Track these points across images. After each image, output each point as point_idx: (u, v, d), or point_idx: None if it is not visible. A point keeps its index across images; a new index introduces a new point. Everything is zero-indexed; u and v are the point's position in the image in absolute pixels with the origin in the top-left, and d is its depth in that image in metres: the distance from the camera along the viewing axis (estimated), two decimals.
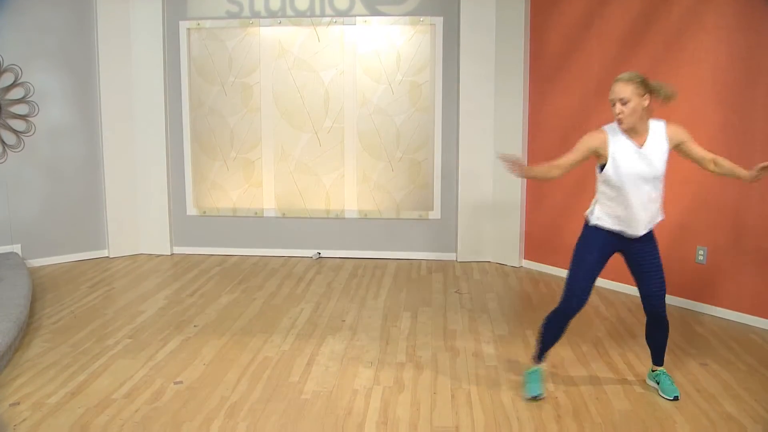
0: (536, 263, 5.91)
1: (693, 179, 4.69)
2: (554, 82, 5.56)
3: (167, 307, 4.81)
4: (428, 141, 6.22)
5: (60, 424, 3.07)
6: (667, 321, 3.38)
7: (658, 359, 3.47)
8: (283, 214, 6.44)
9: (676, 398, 3.31)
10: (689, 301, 4.78)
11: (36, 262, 5.92)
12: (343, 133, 6.27)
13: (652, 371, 3.49)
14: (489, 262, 6.19)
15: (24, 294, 4.51)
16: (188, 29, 6.25)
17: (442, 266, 6.07)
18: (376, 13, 6.09)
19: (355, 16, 6.11)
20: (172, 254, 6.46)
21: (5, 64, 5.64)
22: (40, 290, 5.17)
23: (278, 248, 6.45)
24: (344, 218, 6.38)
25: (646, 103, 3.09)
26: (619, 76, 3.11)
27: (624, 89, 3.05)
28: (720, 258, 4.60)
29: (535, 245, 5.92)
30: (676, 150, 3.20)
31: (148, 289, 5.29)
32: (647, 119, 3.14)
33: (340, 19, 6.12)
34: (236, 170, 6.42)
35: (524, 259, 6.02)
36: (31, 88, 5.78)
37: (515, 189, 5.93)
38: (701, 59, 4.57)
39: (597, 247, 3.28)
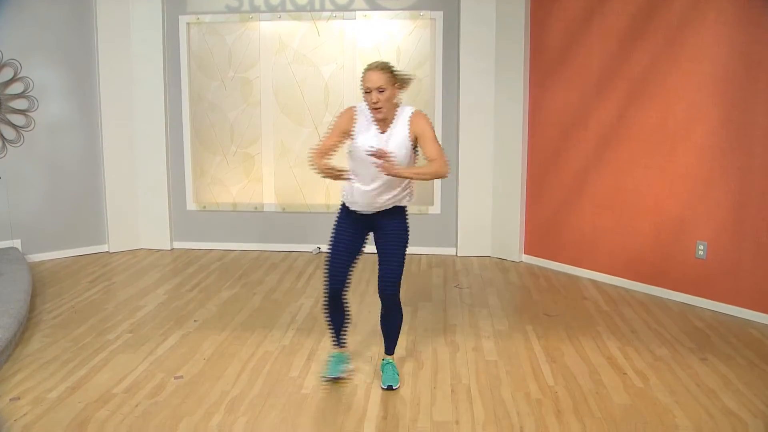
0: (536, 258, 5.91)
1: (693, 174, 4.69)
2: (555, 76, 5.55)
3: (167, 302, 4.81)
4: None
5: (60, 418, 3.07)
6: (398, 309, 3.40)
7: (387, 347, 3.49)
8: (283, 208, 6.43)
9: (390, 387, 3.34)
10: (689, 296, 4.78)
11: (36, 257, 5.92)
12: None
13: (382, 360, 3.52)
14: (489, 256, 6.19)
15: (24, 289, 4.52)
16: (188, 24, 6.23)
17: (442, 261, 6.07)
18: (376, 7, 6.08)
19: (355, 10, 6.09)
20: (172, 249, 6.46)
21: (4, 59, 5.63)
22: (40, 285, 5.18)
23: (278, 243, 6.45)
24: None
25: (397, 92, 3.13)
26: (371, 65, 3.12)
27: (380, 78, 3.05)
28: (720, 253, 4.60)
29: (535, 240, 5.92)
30: (419, 142, 3.19)
31: (148, 284, 5.29)
32: (397, 107, 3.18)
33: (340, 14, 6.11)
34: (236, 165, 6.41)
35: (524, 253, 6.02)
36: (31, 82, 5.77)
37: (515, 184, 5.92)
38: (702, 54, 4.56)
39: (346, 223, 3.36)
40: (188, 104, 6.33)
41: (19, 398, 3.27)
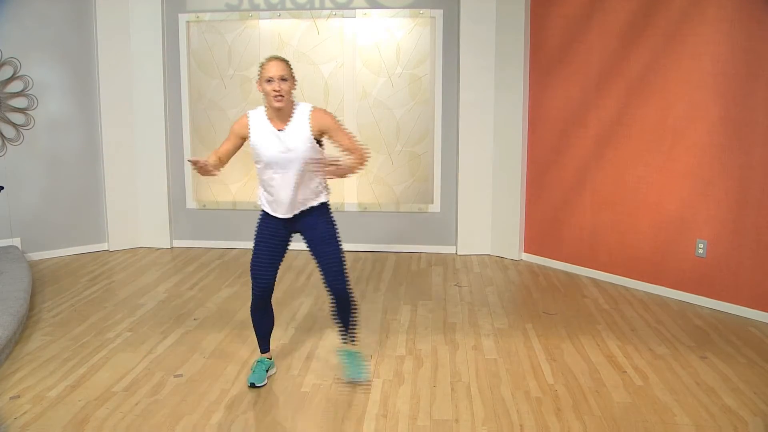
0: (536, 256, 5.91)
1: (693, 172, 4.68)
2: (555, 74, 5.55)
3: (167, 301, 4.81)
4: (428, 134, 6.21)
5: (60, 417, 3.07)
6: (352, 299, 3.41)
7: (344, 337, 3.51)
8: None
9: (354, 380, 3.37)
10: (689, 294, 4.78)
11: (36, 256, 5.92)
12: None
13: (341, 350, 3.54)
14: (489, 255, 6.19)
15: (24, 287, 4.52)
16: (187, 22, 6.22)
17: (442, 259, 6.07)
18: (375, 5, 6.07)
19: (354, 8, 6.08)
20: (172, 248, 6.46)
21: (4, 57, 5.62)
22: (39, 283, 5.18)
23: None
24: (344, 211, 6.37)
25: (295, 86, 3.18)
26: (271, 56, 3.19)
27: (283, 67, 3.11)
28: (720, 251, 4.60)
29: (534, 238, 5.92)
30: (327, 137, 3.23)
31: (148, 282, 5.29)
32: (293, 104, 3.20)
33: (340, 12, 6.10)
34: (235, 163, 6.35)
35: (524, 252, 6.02)
36: (30, 81, 5.76)
37: (515, 182, 5.92)
38: (702, 52, 4.56)
39: (264, 229, 3.39)
40: (188, 102, 6.33)
41: (19, 396, 3.27)
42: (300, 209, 3.29)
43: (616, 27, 5.05)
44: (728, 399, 3.27)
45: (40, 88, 5.82)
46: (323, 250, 3.32)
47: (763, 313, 4.39)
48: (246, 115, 3.25)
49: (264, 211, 3.37)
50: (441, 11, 6.01)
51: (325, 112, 3.24)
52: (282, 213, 3.29)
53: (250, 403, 3.23)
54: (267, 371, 3.50)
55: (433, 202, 6.30)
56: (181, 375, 3.55)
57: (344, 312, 3.44)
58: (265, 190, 3.30)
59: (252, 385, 3.38)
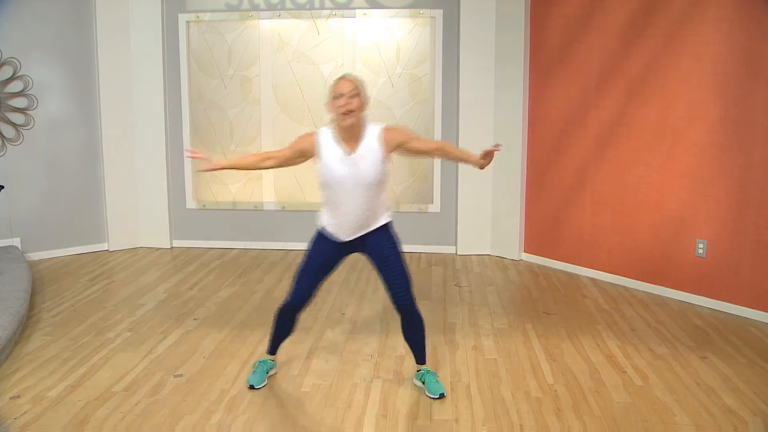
0: (536, 256, 5.91)
1: (693, 172, 4.68)
2: (554, 74, 5.55)
3: (167, 300, 4.81)
4: (428, 134, 6.20)
5: (60, 417, 3.07)
6: (419, 316, 3.31)
7: (418, 358, 3.41)
8: (283, 207, 6.43)
9: (442, 396, 3.26)
10: (689, 294, 4.78)
11: (36, 256, 5.92)
12: None
13: (417, 371, 3.42)
14: (489, 255, 6.19)
15: (24, 287, 4.51)
16: (187, 22, 6.22)
17: (442, 259, 6.07)
18: (375, 5, 6.07)
19: (354, 8, 6.08)
20: (172, 248, 6.46)
21: (4, 57, 5.62)
22: (39, 284, 5.17)
23: (278, 241, 6.44)
24: None
25: (367, 105, 3.12)
26: (342, 75, 3.17)
27: (353, 84, 3.06)
28: (720, 251, 4.60)
29: (534, 238, 5.92)
30: (402, 152, 3.17)
31: (148, 282, 5.29)
32: (364, 125, 3.12)
33: (340, 12, 6.10)
34: None
35: (524, 252, 6.02)
36: (30, 81, 5.76)
37: (515, 182, 5.92)
38: (702, 52, 4.56)
39: (320, 249, 3.28)
40: (188, 102, 6.33)
41: (18, 396, 3.27)
42: (363, 231, 3.23)
43: (616, 27, 5.05)
44: (728, 399, 3.27)
45: (40, 88, 5.82)
46: (389, 268, 3.23)
47: (763, 313, 4.40)
48: (314, 134, 3.17)
49: (322, 231, 3.29)
50: (441, 11, 6.02)
51: (396, 128, 3.20)
52: (344, 236, 3.22)
53: (250, 403, 3.23)
54: (267, 372, 3.49)
55: (433, 202, 6.29)
56: (181, 375, 3.55)
57: (414, 331, 3.34)
58: (331, 213, 3.22)
59: (251, 387, 3.38)
